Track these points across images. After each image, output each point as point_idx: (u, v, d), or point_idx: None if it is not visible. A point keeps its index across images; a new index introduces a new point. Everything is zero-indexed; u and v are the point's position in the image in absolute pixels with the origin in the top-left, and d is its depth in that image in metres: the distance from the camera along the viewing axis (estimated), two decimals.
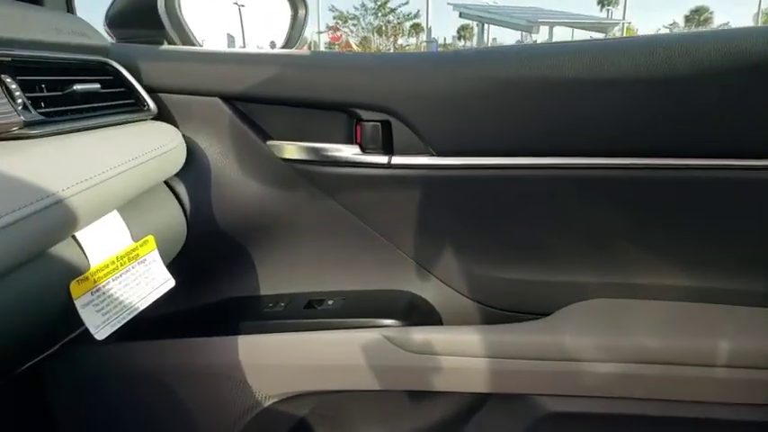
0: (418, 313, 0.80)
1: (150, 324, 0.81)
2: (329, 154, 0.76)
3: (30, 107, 0.56)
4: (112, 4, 0.95)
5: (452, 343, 0.74)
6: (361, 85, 0.74)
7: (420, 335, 0.74)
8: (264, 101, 0.76)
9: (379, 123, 0.74)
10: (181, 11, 0.94)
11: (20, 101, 0.55)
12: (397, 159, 0.74)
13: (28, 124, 0.55)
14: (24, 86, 0.57)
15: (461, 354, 0.73)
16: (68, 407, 0.85)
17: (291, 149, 0.77)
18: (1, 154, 0.50)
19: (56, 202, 0.50)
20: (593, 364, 0.71)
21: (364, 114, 0.74)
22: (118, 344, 0.82)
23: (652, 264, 0.76)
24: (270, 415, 0.80)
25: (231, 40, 1.17)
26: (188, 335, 0.80)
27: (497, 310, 0.81)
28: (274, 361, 0.78)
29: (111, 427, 0.85)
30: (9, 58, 0.56)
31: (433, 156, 0.73)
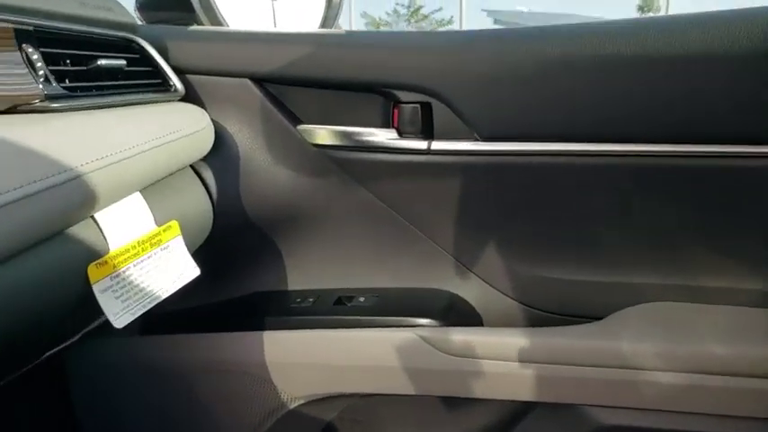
0: (457, 314, 0.75)
1: (173, 317, 0.78)
2: (363, 139, 0.71)
3: (52, 80, 0.53)
4: None
5: (495, 345, 0.68)
6: (399, 65, 0.69)
7: (459, 336, 0.69)
8: (296, 82, 0.72)
9: (418, 105, 0.69)
10: None
11: (41, 72, 0.52)
12: (437, 144, 0.69)
13: (49, 97, 0.52)
14: (48, 59, 0.54)
15: (504, 358, 0.67)
16: (88, 400, 0.82)
17: (323, 134, 0.73)
18: (19, 125, 0.47)
19: (74, 178, 0.47)
20: (652, 373, 0.64)
21: (402, 96, 0.69)
22: (139, 337, 0.79)
23: (718, 264, 0.69)
24: (296, 417, 0.75)
25: None
26: (211, 329, 0.76)
27: (544, 313, 0.74)
28: (301, 359, 0.73)
29: (131, 422, 0.81)
30: (31, 28, 0.53)
31: (478, 140, 0.67)
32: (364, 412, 0.76)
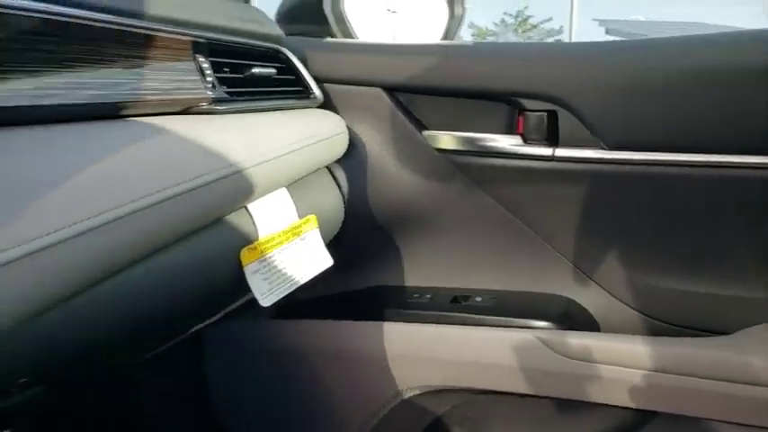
0: (574, 319, 0.75)
1: (300, 304, 0.84)
2: (487, 144, 0.74)
3: (217, 86, 0.61)
4: (283, 2, 1.01)
5: (615, 351, 0.68)
6: (526, 74, 0.71)
7: (578, 340, 0.69)
8: (425, 91, 0.76)
9: (544, 113, 0.70)
10: (344, 6, 0.99)
11: (210, 79, 0.60)
12: (561, 152, 0.70)
13: (215, 101, 0.59)
14: (213, 67, 0.62)
15: (625, 364, 0.67)
16: (220, 377, 0.90)
17: (447, 139, 0.76)
18: (191, 125, 0.54)
19: (236, 172, 0.53)
20: None
21: (528, 104, 0.71)
22: (269, 321, 0.86)
23: None
24: (409, 407, 0.79)
25: None
26: (335, 318, 0.82)
27: (665, 324, 0.73)
28: (418, 352, 0.76)
29: (257, 399, 0.88)
30: (204, 40, 0.61)
31: (604, 149, 0.68)
32: (475, 408, 0.78)
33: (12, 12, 0.41)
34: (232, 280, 0.60)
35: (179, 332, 0.77)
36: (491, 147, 0.74)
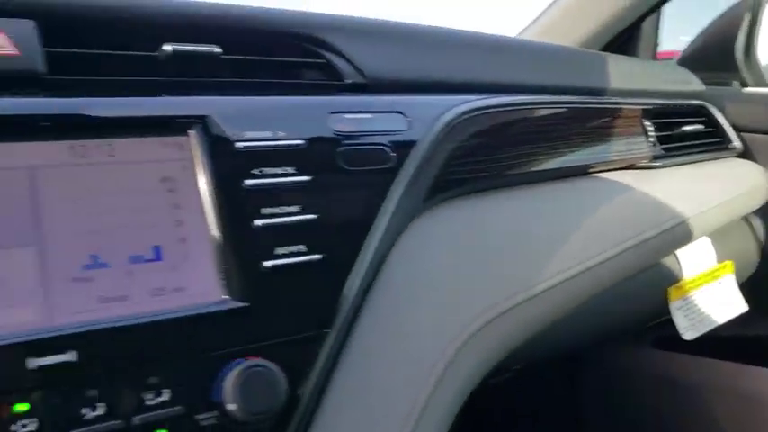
0: None
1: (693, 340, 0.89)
2: None
3: (656, 143, 0.71)
4: (686, 48, 1.06)
5: None
6: None
7: None
8: None
9: None
10: (757, 53, 0.98)
11: (651, 139, 0.70)
12: None
13: (655, 157, 0.69)
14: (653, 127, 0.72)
15: None
16: (594, 394, 0.98)
17: None
18: (640, 181, 0.64)
19: (678, 224, 0.62)
20: None
21: None
22: (651, 350, 0.92)
23: None
24: None
25: None
26: (725, 358, 0.84)
27: None
28: None
29: (631, 422, 0.94)
30: (651, 107, 0.71)
31: None
32: None
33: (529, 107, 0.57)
34: (652, 311, 0.70)
35: (589, 344, 0.89)
36: None
